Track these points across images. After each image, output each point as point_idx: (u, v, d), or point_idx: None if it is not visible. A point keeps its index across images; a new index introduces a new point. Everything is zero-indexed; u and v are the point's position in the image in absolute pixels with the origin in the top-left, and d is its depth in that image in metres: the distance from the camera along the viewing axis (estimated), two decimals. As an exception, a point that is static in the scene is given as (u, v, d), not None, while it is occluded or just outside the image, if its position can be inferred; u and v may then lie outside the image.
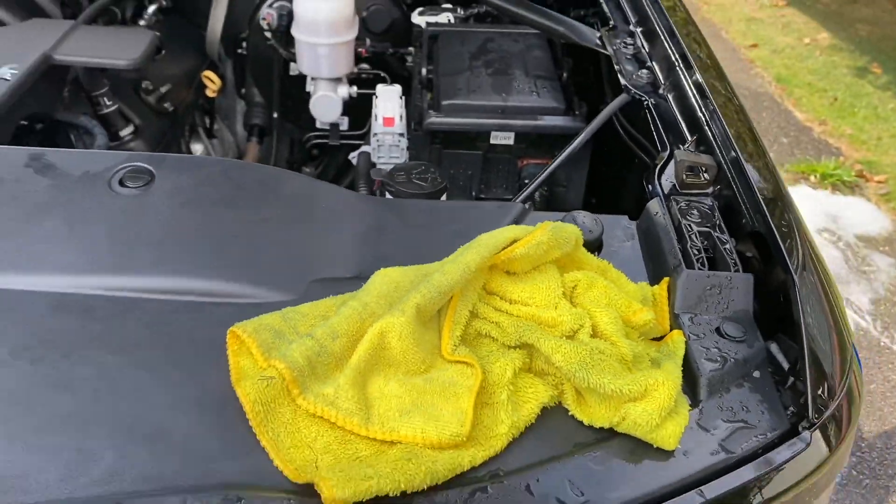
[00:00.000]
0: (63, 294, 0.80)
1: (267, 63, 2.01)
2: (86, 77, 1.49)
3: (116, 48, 1.42)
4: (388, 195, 1.15)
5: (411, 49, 1.91)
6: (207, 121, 2.15)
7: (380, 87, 1.55)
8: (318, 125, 1.93)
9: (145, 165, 0.93)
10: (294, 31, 1.71)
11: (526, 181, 1.51)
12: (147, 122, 1.69)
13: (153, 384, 0.74)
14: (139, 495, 0.64)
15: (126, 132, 1.63)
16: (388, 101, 1.49)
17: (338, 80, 1.77)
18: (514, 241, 0.85)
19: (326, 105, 1.77)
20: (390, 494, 0.66)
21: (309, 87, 1.82)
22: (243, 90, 2.21)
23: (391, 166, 1.22)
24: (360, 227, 0.95)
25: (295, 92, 2.03)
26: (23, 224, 0.86)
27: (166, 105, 1.80)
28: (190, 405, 0.73)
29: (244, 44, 2.12)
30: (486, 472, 0.70)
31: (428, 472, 0.68)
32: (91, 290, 0.81)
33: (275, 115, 2.04)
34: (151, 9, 2.02)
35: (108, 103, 1.59)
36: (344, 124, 2.01)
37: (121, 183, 0.92)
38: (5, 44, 1.34)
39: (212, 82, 2.04)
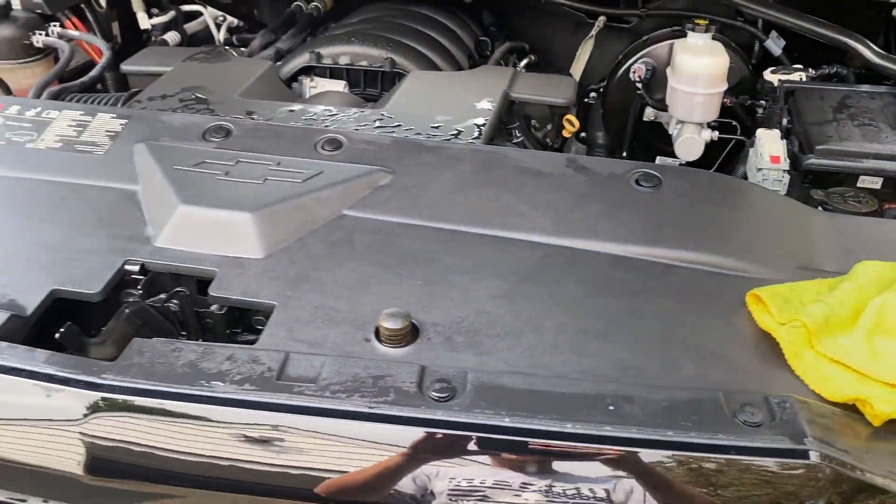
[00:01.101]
0: (617, 256, 1.11)
1: (622, 109, 2.33)
2: (513, 112, 1.88)
3: (552, 89, 1.79)
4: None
5: (762, 102, 2.14)
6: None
7: (760, 131, 1.79)
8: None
9: (654, 172, 1.24)
10: (672, 82, 2.00)
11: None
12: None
13: (696, 324, 1.02)
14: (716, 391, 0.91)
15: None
16: (773, 143, 1.72)
17: (701, 125, 2.04)
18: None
19: (692, 146, 2.04)
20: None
21: (672, 130, 2.11)
22: (582, 133, 2.55)
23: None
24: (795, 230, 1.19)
25: (642, 135, 2.34)
26: (573, 204, 1.19)
27: (547, 141, 2.16)
28: (731, 341, 1.00)
29: (592, 94, 2.49)
30: None
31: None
32: (635, 255, 1.12)
33: (624, 154, 2.35)
34: (523, 63, 2.44)
35: (517, 135, 1.96)
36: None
37: (637, 182, 1.23)
38: (475, 84, 1.75)
39: (571, 125, 2.40)
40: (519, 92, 1.77)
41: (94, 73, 1.91)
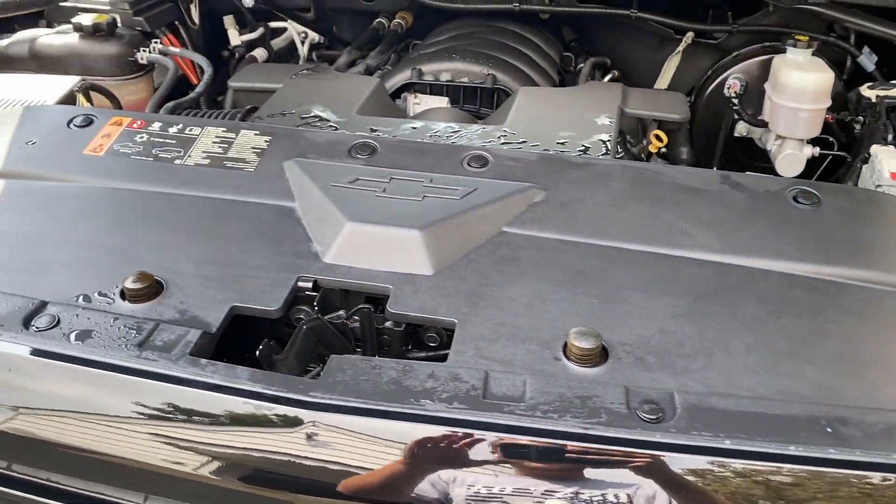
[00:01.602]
0: (788, 275, 1.10)
1: (712, 125, 2.33)
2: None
3: (665, 104, 1.78)
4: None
5: (860, 118, 2.13)
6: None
7: (876, 148, 1.78)
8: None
9: (811, 190, 1.23)
10: (775, 97, 1.99)
11: None
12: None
13: (884, 343, 1.00)
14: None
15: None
16: (892, 159, 1.71)
17: (803, 141, 2.03)
18: None
19: (793, 162, 2.03)
20: None
21: (769, 146, 2.10)
22: (663, 149, 2.54)
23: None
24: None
25: (731, 151, 2.33)
26: (735, 222, 1.19)
27: (642, 157, 2.16)
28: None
29: None
30: None
31: None
32: (806, 273, 1.10)
33: (714, 169, 2.34)
34: (606, 78, 2.43)
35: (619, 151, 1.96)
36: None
37: (795, 199, 1.22)
38: (588, 100, 1.75)
39: (659, 140, 2.39)
40: (633, 107, 1.77)
41: (199, 88, 1.93)
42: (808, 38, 2.05)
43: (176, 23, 2.29)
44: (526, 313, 1.04)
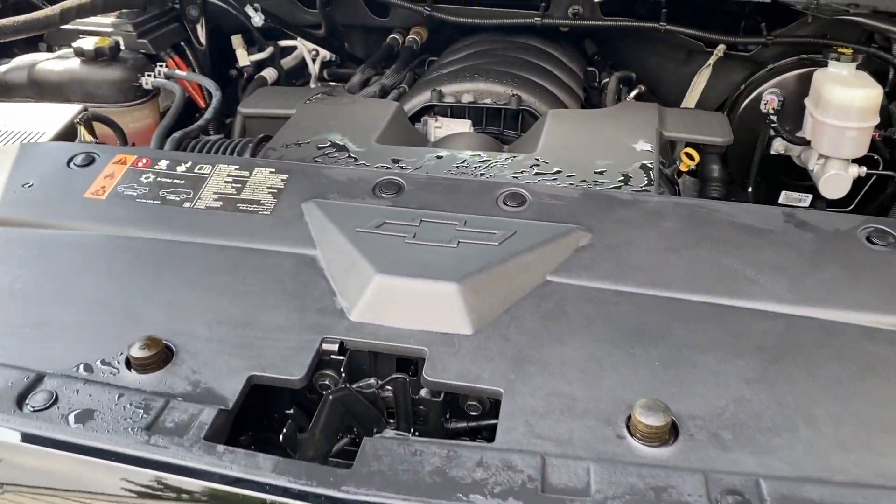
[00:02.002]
0: (869, 328, 0.98)
1: (746, 142, 2.21)
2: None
3: (706, 127, 1.67)
4: None
5: (906, 134, 2.01)
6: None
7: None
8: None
9: (887, 228, 1.11)
10: (818, 115, 1.87)
11: None
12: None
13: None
14: None
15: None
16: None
17: (847, 160, 1.91)
18: None
19: (838, 183, 1.91)
20: None
21: (811, 166, 1.98)
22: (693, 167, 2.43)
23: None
24: None
25: (766, 169, 2.21)
26: (805, 267, 1.07)
27: (675, 178, 2.04)
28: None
29: None
30: None
31: None
32: (889, 327, 0.99)
33: (749, 190, 2.22)
34: (633, 94, 2.32)
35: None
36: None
37: (869, 239, 1.10)
38: (624, 123, 1.64)
39: (690, 158, 2.27)
40: (672, 130, 1.65)
41: (208, 114, 1.82)
42: (851, 50, 1.93)
43: (182, 44, 2.19)
44: (580, 380, 0.93)
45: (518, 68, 2.02)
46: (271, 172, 1.27)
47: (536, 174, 1.43)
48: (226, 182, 1.25)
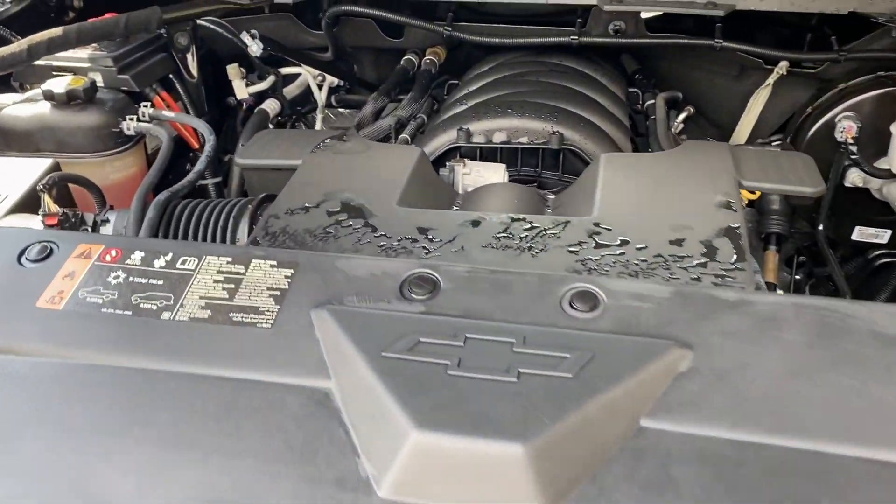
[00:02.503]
0: None
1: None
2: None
3: (793, 173, 1.39)
4: None
5: None
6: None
7: None
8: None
9: None
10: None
11: None
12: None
13: None
14: None
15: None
16: None
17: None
18: None
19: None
20: None
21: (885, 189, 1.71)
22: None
23: None
24: None
25: (840, 203, 1.94)
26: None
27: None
28: None
29: None
30: None
31: None
32: None
33: (820, 227, 1.94)
34: (681, 117, 2.05)
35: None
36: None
37: None
38: (692, 170, 1.37)
39: (751, 193, 2.00)
40: (752, 179, 1.38)
41: (200, 165, 1.56)
42: (948, 70, 1.66)
43: (171, 76, 1.93)
44: None
45: (555, 97, 1.75)
46: (272, 266, 1.00)
47: (598, 245, 1.17)
48: (216, 282, 0.99)
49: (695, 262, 1.12)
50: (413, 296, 0.96)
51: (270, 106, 2.06)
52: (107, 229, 1.39)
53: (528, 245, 1.17)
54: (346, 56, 2.29)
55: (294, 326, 0.93)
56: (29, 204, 1.39)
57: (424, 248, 1.17)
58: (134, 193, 1.74)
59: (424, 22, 2.04)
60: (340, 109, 2.38)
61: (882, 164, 1.81)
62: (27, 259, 1.03)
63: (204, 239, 1.36)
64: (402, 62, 2.24)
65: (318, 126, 2.23)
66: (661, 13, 1.85)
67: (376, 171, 1.42)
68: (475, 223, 1.23)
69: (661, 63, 2.25)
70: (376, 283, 0.98)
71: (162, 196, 1.40)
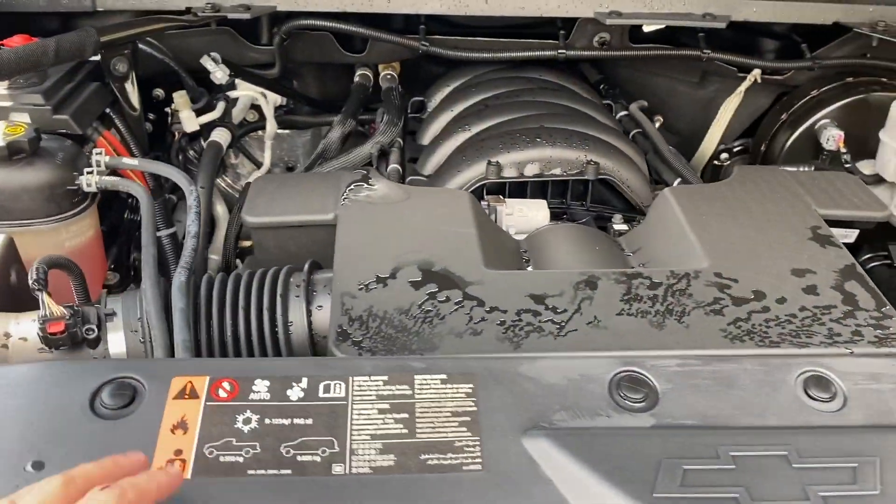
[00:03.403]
0: None
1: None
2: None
3: (855, 198, 1.37)
4: None
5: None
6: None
7: None
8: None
9: None
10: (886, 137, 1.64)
11: None
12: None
13: None
14: None
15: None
16: None
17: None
18: None
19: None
20: None
21: (893, 209, 1.76)
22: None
23: None
24: None
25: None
26: None
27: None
28: None
29: (724, 155, 2.14)
30: None
31: None
32: None
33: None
34: (657, 125, 2.01)
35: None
36: None
37: None
38: (767, 198, 1.31)
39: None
40: (827, 206, 1.33)
41: (192, 227, 1.28)
42: (934, 78, 1.72)
43: (108, 111, 1.59)
44: None
45: (572, 121, 1.63)
46: (444, 382, 0.80)
47: (736, 301, 1.06)
48: (381, 412, 0.77)
49: (842, 313, 1.05)
50: (629, 402, 0.80)
51: (222, 136, 1.76)
52: (115, 326, 1.09)
53: (666, 308, 1.04)
54: (288, 72, 2.03)
55: (511, 464, 0.74)
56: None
57: (553, 321, 1.01)
58: (92, 261, 1.44)
59: (395, 36, 1.83)
60: (280, 131, 2.11)
61: (864, 168, 1.86)
62: (104, 406, 0.76)
63: (248, 326, 1.11)
64: (357, 78, 2.01)
65: (267, 154, 1.95)
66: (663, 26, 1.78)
67: (434, 223, 1.23)
68: (591, 284, 1.09)
69: (620, 71, 2.19)
70: (578, 390, 0.81)
71: (182, 276, 1.12)
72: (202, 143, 1.78)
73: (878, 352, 0.97)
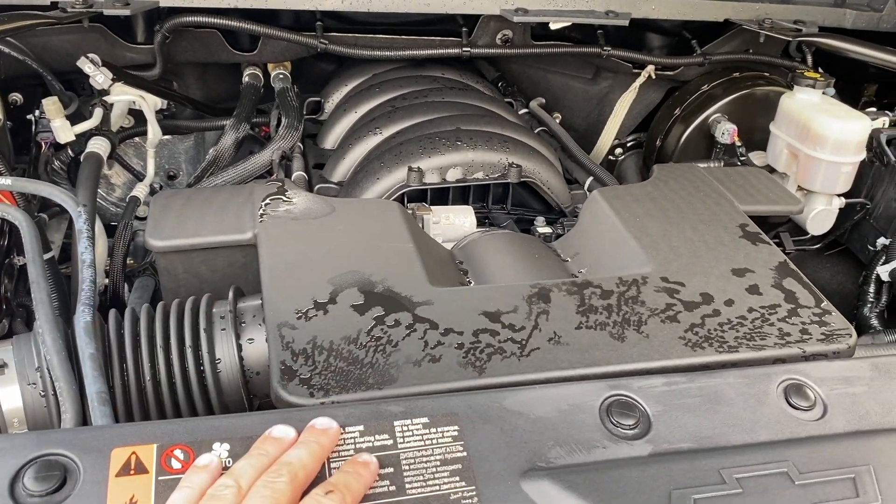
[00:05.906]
0: None
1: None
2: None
3: (772, 193, 1.40)
4: None
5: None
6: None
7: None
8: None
9: None
10: (809, 150, 1.71)
11: None
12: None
13: None
14: None
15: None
16: None
17: (832, 195, 1.78)
18: None
19: (826, 218, 1.79)
20: None
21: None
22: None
23: None
24: None
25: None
26: None
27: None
28: None
29: (618, 150, 2.18)
30: None
31: None
32: None
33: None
34: (557, 120, 2.01)
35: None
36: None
37: None
38: (691, 203, 1.31)
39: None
40: (747, 202, 1.34)
41: (86, 255, 1.12)
42: (818, 74, 1.80)
43: (-36, 121, 1.38)
44: None
45: (488, 123, 1.58)
46: (426, 427, 0.72)
47: (688, 306, 1.04)
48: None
49: (787, 312, 1.06)
50: (623, 430, 0.76)
51: (101, 146, 1.57)
52: (8, 379, 0.92)
53: (622, 318, 1.01)
54: (167, 73, 1.85)
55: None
56: None
57: (514, 340, 0.95)
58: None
59: (292, 34, 1.71)
60: (166, 137, 1.93)
61: (755, 159, 1.93)
62: (28, 493, 0.63)
63: (169, 368, 0.97)
64: (246, 78, 1.87)
65: (150, 164, 1.77)
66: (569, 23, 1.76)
67: (367, 239, 1.14)
68: (543, 297, 1.04)
69: (514, 67, 2.16)
70: (570, 422, 0.76)
71: (87, 315, 0.97)
72: (69, 152, 1.59)
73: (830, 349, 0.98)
